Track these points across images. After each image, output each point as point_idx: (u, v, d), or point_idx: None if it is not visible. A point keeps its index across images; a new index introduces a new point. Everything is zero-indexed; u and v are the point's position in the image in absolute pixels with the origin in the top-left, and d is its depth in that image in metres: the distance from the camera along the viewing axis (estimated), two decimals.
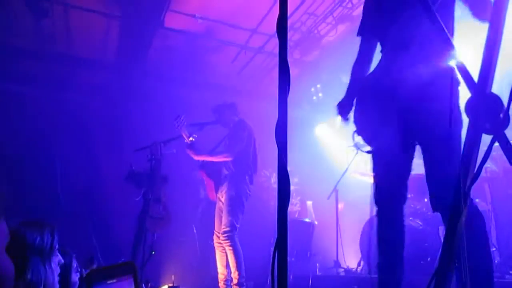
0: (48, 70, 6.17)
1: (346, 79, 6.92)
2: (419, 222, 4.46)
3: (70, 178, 6.08)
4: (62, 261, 2.05)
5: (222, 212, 4.17)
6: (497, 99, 0.83)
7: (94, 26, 5.71)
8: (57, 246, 2.02)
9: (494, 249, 3.69)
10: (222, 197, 4.23)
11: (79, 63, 6.31)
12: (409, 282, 3.68)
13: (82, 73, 6.39)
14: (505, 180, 3.46)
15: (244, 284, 3.97)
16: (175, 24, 5.78)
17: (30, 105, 5.93)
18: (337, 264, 5.20)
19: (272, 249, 1.14)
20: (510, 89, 0.86)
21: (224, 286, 4.10)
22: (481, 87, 0.87)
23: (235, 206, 4.12)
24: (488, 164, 3.71)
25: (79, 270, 2.35)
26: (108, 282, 1.03)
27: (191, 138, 4.27)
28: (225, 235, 4.03)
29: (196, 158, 4.34)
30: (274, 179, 6.32)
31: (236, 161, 4.22)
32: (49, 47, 6.02)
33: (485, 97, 0.85)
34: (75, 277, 2.23)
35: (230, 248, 4.01)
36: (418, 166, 5.54)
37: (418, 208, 4.64)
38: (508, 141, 0.87)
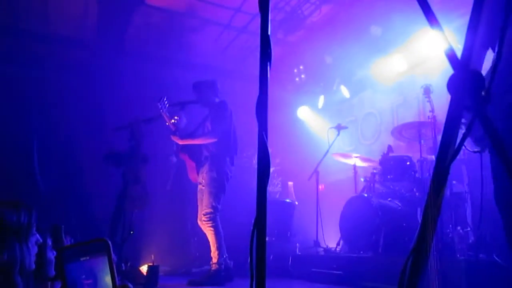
0: (24, 48, 5.96)
1: (329, 60, 6.91)
2: (398, 203, 4.54)
3: (48, 158, 5.96)
4: (41, 240, 2.01)
5: (203, 194, 4.16)
6: (479, 76, 0.82)
7: (72, 2, 5.52)
8: (34, 226, 1.98)
9: (468, 229, 3.78)
10: (203, 179, 4.22)
11: (56, 41, 6.11)
12: (388, 261, 3.77)
13: (59, 51, 6.20)
14: (479, 161, 3.51)
15: (223, 263, 4.01)
16: (156, 1, 5.64)
17: (5, 83, 5.74)
18: (316, 243, 5.27)
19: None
20: (491, 65, 0.85)
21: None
22: (464, 64, 0.86)
23: (216, 187, 4.12)
24: (476, 149, 3.76)
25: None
26: (81, 259, 1.00)
27: (172, 120, 4.21)
28: (207, 216, 4.03)
29: (181, 142, 4.31)
30: (255, 160, 6.33)
31: (217, 143, 4.20)
32: (25, 24, 5.81)
33: (467, 74, 0.84)
34: (51, 255, 2.19)
35: (212, 229, 4.03)
36: (399, 148, 5.61)
37: (397, 189, 4.71)
38: (488, 119, 0.86)
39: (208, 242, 4.10)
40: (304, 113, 7.55)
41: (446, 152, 0.85)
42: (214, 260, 4.00)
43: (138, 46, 6.46)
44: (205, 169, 4.22)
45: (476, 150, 2.20)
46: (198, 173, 4.36)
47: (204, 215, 4.05)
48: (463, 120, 0.94)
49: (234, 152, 4.31)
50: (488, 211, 3.46)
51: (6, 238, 1.82)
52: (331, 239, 5.28)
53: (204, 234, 4.14)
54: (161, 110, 4.17)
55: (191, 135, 4.38)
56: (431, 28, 0.90)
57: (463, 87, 0.83)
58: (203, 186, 4.20)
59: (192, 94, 4.50)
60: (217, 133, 4.18)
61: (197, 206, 4.24)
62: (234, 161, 4.31)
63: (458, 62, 0.86)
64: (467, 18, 0.97)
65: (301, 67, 6.97)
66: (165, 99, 4.22)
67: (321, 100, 7.09)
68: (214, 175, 4.13)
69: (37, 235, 2.01)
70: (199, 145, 4.33)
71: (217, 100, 4.41)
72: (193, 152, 4.38)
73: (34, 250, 1.97)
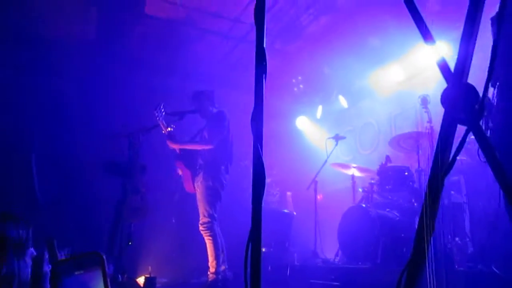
0: (21, 53, 5.96)
1: (327, 70, 6.95)
2: (396, 214, 4.52)
3: (46, 166, 5.93)
4: (35, 253, 2.01)
5: (199, 203, 4.17)
6: (472, 89, 0.83)
7: (71, 9, 5.55)
8: (31, 240, 1.99)
9: (467, 239, 3.77)
10: (198, 188, 4.22)
11: (55, 47, 6.11)
12: (386, 272, 3.75)
13: (58, 58, 6.20)
14: (480, 173, 3.52)
15: (221, 273, 3.99)
16: (155, 12, 5.67)
17: (1, 90, 5.73)
18: (315, 254, 5.25)
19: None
20: (485, 80, 0.86)
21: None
22: (457, 77, 0.86)
23: (212, 195, 4.13)
24: (463, 156, 3.77)
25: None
26: (76, 273, 1.00)
27: (169, 129, 4.23)
28: (204, 225, 4.03)
29: (176, 147, 4.31)
30: None
31: (213, 151, 4.21)
32: (22, 29, 5.82)
33: (461, 87, 0.84)
34: (47, 268, 2.19)
35: (210, 238, 4.02)
36: (397, 158, 5.61)
37: (395, 199, 4.71)
38: (482, 132, 0.86)
39: (206, 253, 4.08)
40: (302, 123, 7.56)
41: (440, 164, 0.85)
42: (212, 269, 3.99)
43: (137, 55, 6.48)
44: (200, 178, 4.23)
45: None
46: (193, 183, 4.36)
47: (202, 224, 4.04)
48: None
49: (229, 161, 4.33)
50: (486, 221, 3.47)
51: (6, 252, 1.83)
52: (330, 250, 5.25)
53: (203, 245, 4.12)
54: (157, 118, 4.20)
55: (189, 142, 4.39)
56: (425, 43, 0.91)
57: (457, 101, 0.83)
58: (199, 194, 4.21)
59: (191, 103, 4.52)
60: (214, 141, 4.19)
61: (197, 215, 4.23)
62: (229, 169, 4.32)
63: (452, 75, 0.87)
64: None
65: (299, 77, 7.00)
66: (161, 106, 4.24)
67: (319, 110, 7.11)
68: (210, 183, 4.14)
69: (32, 248, 2.01)
70: (194, 153, 4.33)
71: (214, 110, 4.43)
72: (189, 160, 4.38)
73: (29, 263, 1.98)
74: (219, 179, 4.19)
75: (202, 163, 4.25)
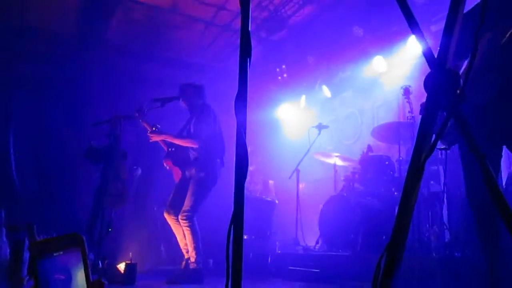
0: (2, 42, 5.81)
1: (311, 59, 6.93)
2: (377, 202, 4.59)
3: (25, 155, 5.83)
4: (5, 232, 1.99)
5: (183, 190, 4.14)
6: (455, 75, 0.84)
7: None
8: (3, 221, 1.96)
9: (444, 228, 3.86)
10: (190, 178, 4.20)
11: (36, 35, 5.96)
12: (366, 259, 3.81)
13: (39, 45, 6.06)
14: (459, 161, 3.58)
15: (201, 262, 4.01)
16: None
17: None
18: (296, 242, 5.30)
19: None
20: (467, 65, 0.87)
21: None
22: (440, 63, 0.87)
23: (202, 188, 4.12)
24: (442, 146, 3.82)
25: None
26: (55, 254, 0.98)
27: (154, 128, 4.23)
28: (185, 214, 4.02)
29: (159, 138, 4.29)
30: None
31: (206, 145, 4.17)
32: (4, 18, 5.65)
33: (444, 72, 0.85)
34: (26, 255, 2.16)
35: (188, 228, 4.02)
36: (378, 148, 5.67)
37: (376, 188, 4.77)
38: (463, 119, 0.88)
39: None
40: (285, 112, 7.57)
41: (421, 149, 0.86)
42: (192, 259, 4.00)
43: (120, 41, 6.37)
44: (192, 170, 4.19)
45: (442, 147, 2.25)
46: (182, 169, 4.33)
47: (183, 212, 4.04)
48: None
49: (222, 153, 4.30)
50: (462, 209, 3.55)
51: None
52: (311, 238, 5.31)
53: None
54: (140, 120, 4.23)
55: (175, 135, 4.35)
56: (412, 33, 0.91)
57: (439, 85, 0.84)
58: (187, 182, 4.19)
59: (176, 93, 4.45)
60: (200, 139, 4.16)
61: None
62: (223, 162, 4.30)
63: (435, 61, 0.88)
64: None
65: (283, 66, 6.98)
66: (144, 108, 4.24)
67: (302, 99, 7.12)
68: (203, 175, 4.12)
69: (4, 228, 1.99)
70: (183, 150, 4.30)
71: (200, 102, 4.37)
72: (177, 157, 4.35)
73: (6, 242, 1.95)
74: (214, 172, 4.18)
75: (194, 158, 4.22)
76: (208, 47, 6.79)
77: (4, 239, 1.87)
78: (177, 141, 4.27)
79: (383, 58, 5.80)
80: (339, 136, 7.02)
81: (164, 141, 4.37)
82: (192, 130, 4.26)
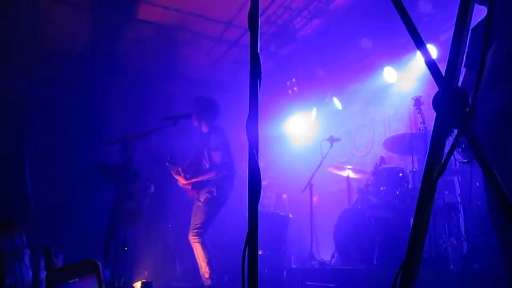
0: (15, 62, 5.95)
1: (321, 72, 6.95)
2: (391, 214, 4.54)
3: (40, 173, 5.91)
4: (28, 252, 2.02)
5: (197, 210, 4.19)
6: (463, 92, 0.84)
7: (64, 17, 5.54)
8: (26, 243, 2.00)
9: (462, 239, 3.79)
10: (201, 196, 4.24)
11: (47, 55, 6.10)
12: (382, 272, 3.76)
13: (51, 65, 6.19)
14: (474, 173, 3.54)
15: (215, 278, 4.00)
16: (147, 16, 5.67)
17: None
18: (311, 256, 5.25)
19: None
20: (475, 83, 0.87)
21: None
22: (448, 81, 0.88)
23: (213, 207, 4.19)
24: (463, 159, 3.79)
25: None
26: (71, 281, 1.00)
27: (179, 168, 4.39)
28: (195, 231, 4.07)
29: (186, 182, 4.36)
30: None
31: (221, 171, 4.23)
32: (15, 37, 5.80)
33: (451, 91, 0.86)
34: (43, 275, 2.18)
35: (199, 244, 4.06)
36: (391, 159, 5.63)
37: (390, 200, 4.71)
38: (473, 135, 0.88)
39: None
40: (296, 125, 7.57)
41: (433, 167, 0.86)
42: (206, 275, 4.00)
43: (130, 60, 6.48)
44: (206, 188, 4.23)
45: (464, 160, 2.22)
46: (197, 191, 4.37)
47: (193, 229, 4.08)
48: None
49: (233, 175, 4.35)
50: (479, 219, 3.49)
51: (6, 264, 1.83)
52: (326, 252, 5.26)
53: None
54: (171, 171, 4.45)
55: (192, 166, 4.43)
56: (417, 49, 0.92)
57: (447, 105, 0.85)
58: (200, 202, 4.22)
59: (189, 108, 4.48)
60: (217, 168, 4.24)
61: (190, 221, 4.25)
62: (233, 183, 4.33)
63: (442, 79, 0.88)
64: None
65: (293, 80, 7.02)
66: (169, 157, 4.43)
67: (313, 112, 7.12)
68: (215, 194, 4.17)
69: (27, 249, 2.02)
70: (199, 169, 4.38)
71: (214, 123, 4.41)
72: (194, 183, 4.42)
73: (29, 263, 1.98)
74: (226, 191, 4.24)
75: (207, 180, 4.28)
76: (216, 62, 6.86)
77: (27, 262, 1.91)
78: (201, 178, 4.33)
79: (393, 69, 5.80)
80: (351, 148, 6.99)
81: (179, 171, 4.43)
82: (207, 156, 4.31)
